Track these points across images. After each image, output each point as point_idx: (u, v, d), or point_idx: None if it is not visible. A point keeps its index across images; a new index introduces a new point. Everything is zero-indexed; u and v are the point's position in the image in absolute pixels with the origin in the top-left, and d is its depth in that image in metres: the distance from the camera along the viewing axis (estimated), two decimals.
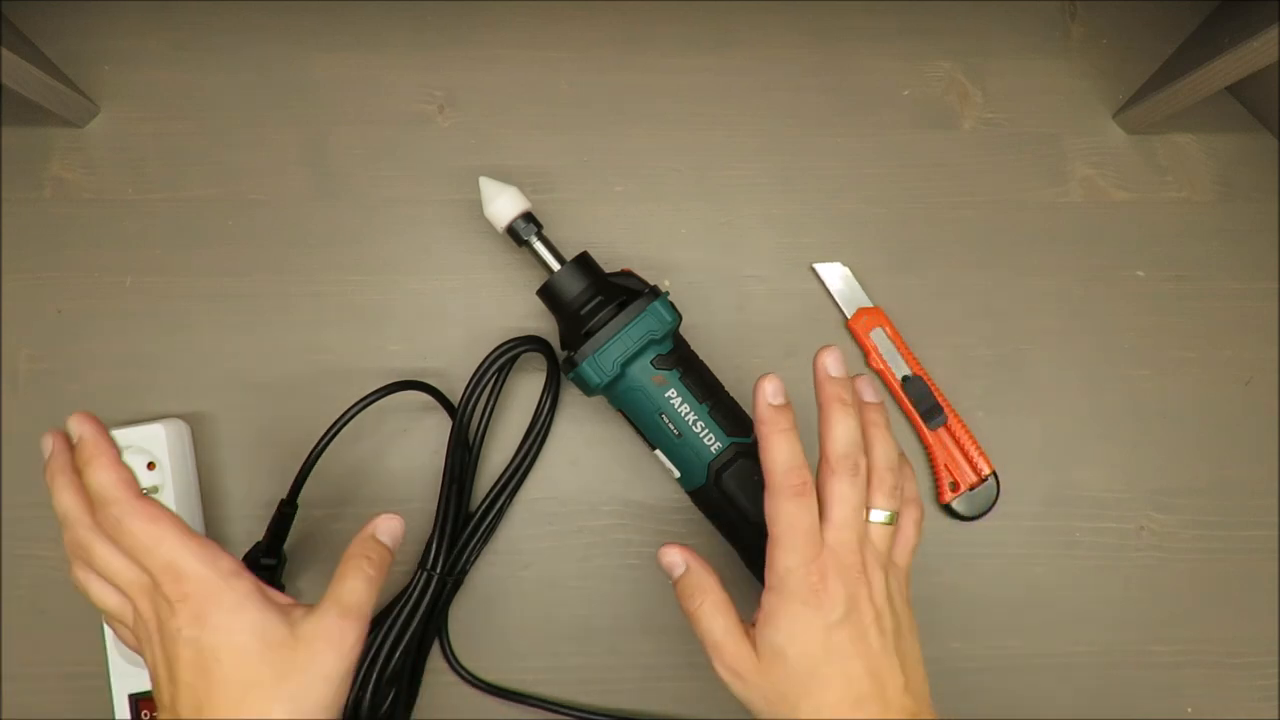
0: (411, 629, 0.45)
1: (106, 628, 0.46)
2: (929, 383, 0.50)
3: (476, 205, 0.45)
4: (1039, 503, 0.51)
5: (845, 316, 0.51)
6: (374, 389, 0.46)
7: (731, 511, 0.43)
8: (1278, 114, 0.53)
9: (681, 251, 0.52)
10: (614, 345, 0.42)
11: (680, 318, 0.44)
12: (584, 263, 0.45)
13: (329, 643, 0.33)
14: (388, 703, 0.45)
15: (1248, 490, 0.51)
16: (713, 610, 0.37)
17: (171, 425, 0.47)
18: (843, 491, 0.36)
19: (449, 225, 0.52)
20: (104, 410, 0.49)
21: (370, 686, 0.44)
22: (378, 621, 0.46)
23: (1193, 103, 0.50)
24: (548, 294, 0.45)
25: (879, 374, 0.51)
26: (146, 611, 0.33)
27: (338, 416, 0.45)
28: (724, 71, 0.54)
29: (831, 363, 0.38)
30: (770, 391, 0.37)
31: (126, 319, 0.50)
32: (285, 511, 0.46)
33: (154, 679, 0.33)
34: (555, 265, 0.45)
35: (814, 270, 0.52)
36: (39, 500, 0.49)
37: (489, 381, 0.47)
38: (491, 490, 0.48)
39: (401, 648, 0.45)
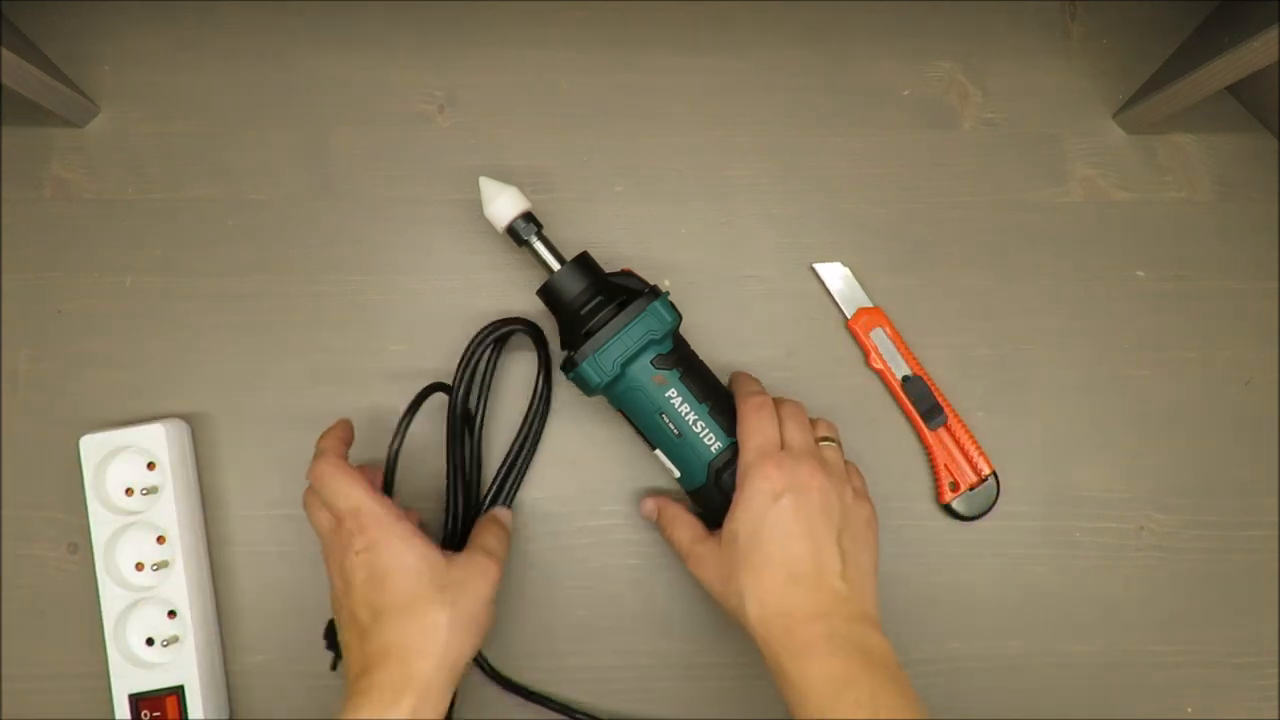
0: None
1: (107, 628, 0.46)
2: (929, 383, 0.50)
3: (476, 205, 0.45)
4: (1039, 503, 0.51)
5: (845, 316, 0.51)
6: (417, 392, 0.45)
7: None
8: (1278, 114, 0.53)
9: (681, 251, 0.52)
10: (614, 345, 0.42)
11: (680, 317, 0.44)
12: (584, 263, 0.45)
13: (477, 570, 0.41)
14: None
15: (1248, 490, 0.51)
16: (680, 526, 0.44)
17: (171, 425, 0.47)
18: (793, 410, 0.43)
19: (449, 225, 0.52)
20: (104, 410, 0.49)
21: None
22: None
23: (1193, 103, 0.50)
24: (548, 294, 0.45)
25: (879, 374, 0.51)
26: (338, 536, 0.40)
27: (397, 424, 0.44)
28: (724, 71, 0.54)
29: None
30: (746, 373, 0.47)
31: (126, 319, 0.50)
32: None
33: (334, 591, 0.41)
34: (555, 265, 0.45)
35: (814, 270, 0.52)
36: (39, 500, 0.49)
37: (480, 357, 0.47)
38: (498, 473, 0.48)
39: None
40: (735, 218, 0.53)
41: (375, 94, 0.53)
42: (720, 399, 0.44)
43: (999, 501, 0.50)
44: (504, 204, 0.44)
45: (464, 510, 0.47)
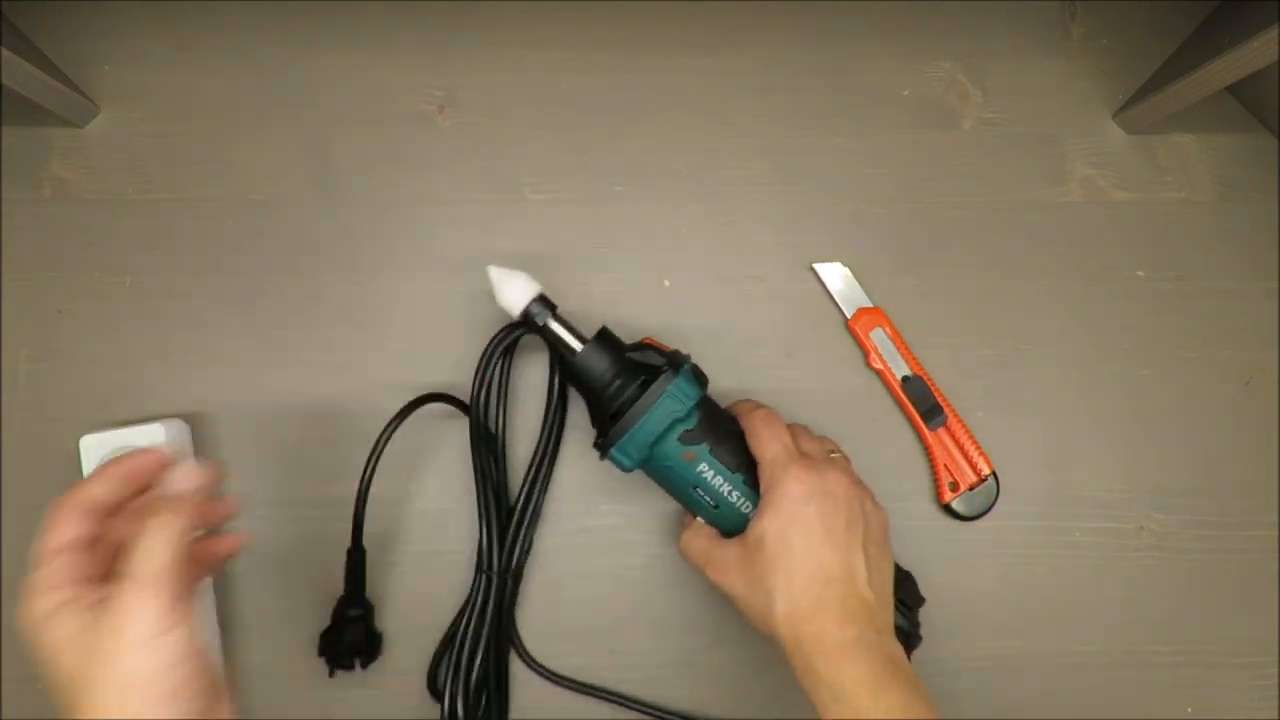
0: (484, 632, 0.46)
1: None
2: (929, 383, 0.50)
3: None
4: (1039, 503, 0.51)
5: (845, 316, 0.51)
6: (401, 406, 0.46)
7: None
8: (1278, 114, 0.53)
9: (681, 251, 0.52)
10: (639, 431, 0.41)
11: (704, 388, 0.42)
12: (604, 340, 0.44)
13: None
14: (481, 709, 0.46)
15: (1248, 490, 0.51)
16: (694, 535, 0.44)
17: (171, 425, 0.47)
18: (801, 427, 0.44)
19: (449, 225, 0.52)
20: (104, 410, 0.49)
21: (460, 697, 0.45)
22: (449, 635, 0.47)
23: (1193, 103, 0.50)
24: (571, 375, 0.44)
25: (879, 374, 0.51)
26: None
27: (372, 445, 0.45)
28: (724, 71, 0.54)
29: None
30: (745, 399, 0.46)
31: (126, 319, 0.50)
32: (355, 557, 0.46)
33: None
34: (576, 345, 0.43)
35: (814, 270, 0.52)
36: (39, 501, 0.49)
37: (496, 365, 0.47)
38: (526, 476, 0.48)
39: (480, 653, 0.45)
40: (735, 218, 0.53)
41: (375, 94, 0.53)
42: (754, 464, 0.43)
43: (999, 501, 0.50)
44: (516, 291, 0.44)
45: (498, 520, 0.47)
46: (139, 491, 0.37)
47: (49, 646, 0.32)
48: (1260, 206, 0.54)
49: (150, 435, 0.47)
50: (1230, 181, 0.54)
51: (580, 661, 0.49)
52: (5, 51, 0.44)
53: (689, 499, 0.43)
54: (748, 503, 0.42)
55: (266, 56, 0.53)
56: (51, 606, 0.33)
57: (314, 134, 0.52)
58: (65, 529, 0.35)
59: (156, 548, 0.32)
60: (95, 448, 0.47)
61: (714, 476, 0.42)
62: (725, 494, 0.42)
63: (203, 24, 0.53)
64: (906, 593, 0.45)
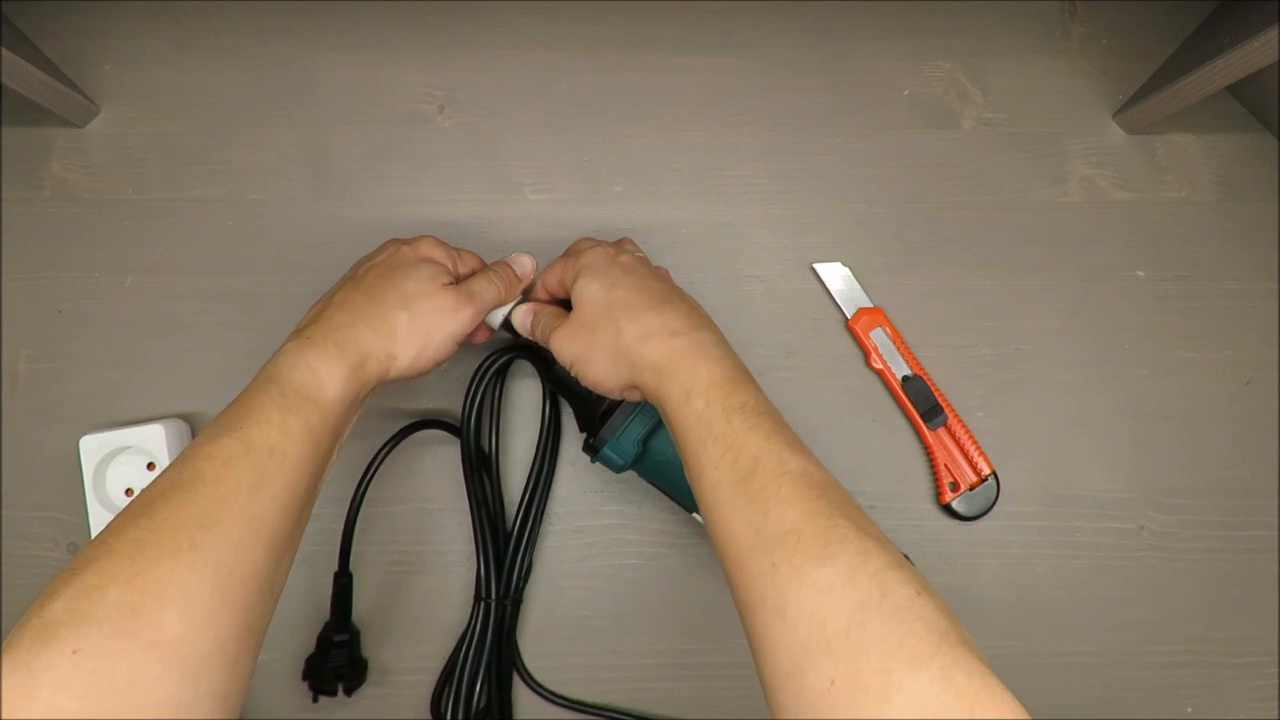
0: (484, 660, 0.45)
1: None
2: (929, 383, 0.50)
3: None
4: (1039, 503, 0.51)
5: (845, 316, 0.51)
6: (391, 434, 0.46)
7: None
8: (1278, 114, 0.53)
9: (681, 252, 0.52)
10: (632, 425, 0.41)
11: None
12: None
13: (447, 306, 0.41)
14: None
15: (1248, 490, 0.51)
16: (549, 321, 0.43)
17: (171, 425, 0.47)
18: (584, 245, 0.44)
19: (449, 225, 0.52)
20: (104, 410, 0.49)
21: None
22: (450, 664, 0.46)
23: (1193, 103, 0.50)
24: (556, 381, 0.45)
25: (879, 374, 0.51)
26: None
27: (361, 475, 0.45)
28: (724, 71, 0.54)
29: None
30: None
31: (126, 319, 0.50)
32: (342, 583, 0.46)
33: (368, 257, 0.45)
34: None
35: (814, 270, 0.52)
36: (39, 500, 0.49)
37: (487, 388, 0.47)
38: (521, 501, 0.47)
39: (480, 680, 0.45)
40: (735, 218, 0.53)
41: (375, 94, 0.53)
42: None
43: (999, 501, 0.50)
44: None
45: (494, 547, 0.46)
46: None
47: (409, 267, 0.42)
48: (1260, 206, 0.54)
49: (150, 435, 0.47)
50: (1230, 181, 0.54)
51: (580, 661, 0.49)
52: (5, 51, 0.44)
53: (687, 493, 0.42)
54: None
55: (266, 56, 0.53)
56: (435, 255, 0.43)
57: (314, 134, 0.52)
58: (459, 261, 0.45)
59: (491, 290, 0.43)
60: (95, 448, 0.47)
61: None
62: None
63: (203, 24, 0.53)
64: None
